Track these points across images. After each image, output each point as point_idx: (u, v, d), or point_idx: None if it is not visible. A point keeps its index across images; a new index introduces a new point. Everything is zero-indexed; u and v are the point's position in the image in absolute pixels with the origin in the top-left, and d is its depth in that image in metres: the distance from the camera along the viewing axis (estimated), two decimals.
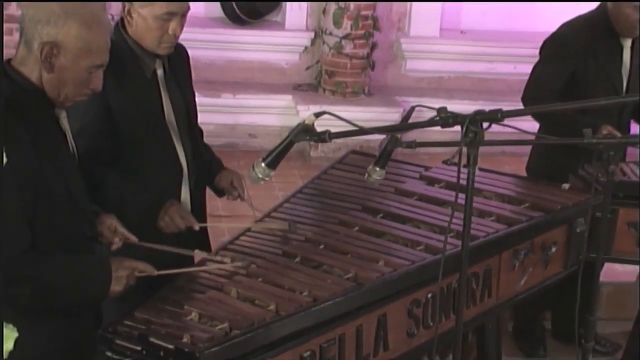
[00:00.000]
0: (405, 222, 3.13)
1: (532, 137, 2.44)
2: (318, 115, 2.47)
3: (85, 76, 2.38)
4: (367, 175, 2.89)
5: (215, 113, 6.09)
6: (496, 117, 2.18)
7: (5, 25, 2.08)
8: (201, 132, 3.36)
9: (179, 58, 3.18)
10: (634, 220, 3.53)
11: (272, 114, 6.30)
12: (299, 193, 3.38)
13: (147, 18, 2.92)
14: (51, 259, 2.37)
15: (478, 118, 2.18)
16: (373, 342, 2.73)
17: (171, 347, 2.29)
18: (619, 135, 3.77)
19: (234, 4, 6.34)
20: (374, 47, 6.44)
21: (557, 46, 4.04)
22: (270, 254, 2.84)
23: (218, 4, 6.40)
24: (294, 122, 6.18)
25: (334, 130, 2.53)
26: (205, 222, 3.23)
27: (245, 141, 6.26)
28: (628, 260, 3.70)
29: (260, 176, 2.62)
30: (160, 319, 2.42)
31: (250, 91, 6.36)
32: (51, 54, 2.32)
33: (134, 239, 2.69)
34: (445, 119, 2.22)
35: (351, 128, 2.52)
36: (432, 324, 2.87)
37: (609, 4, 3.95)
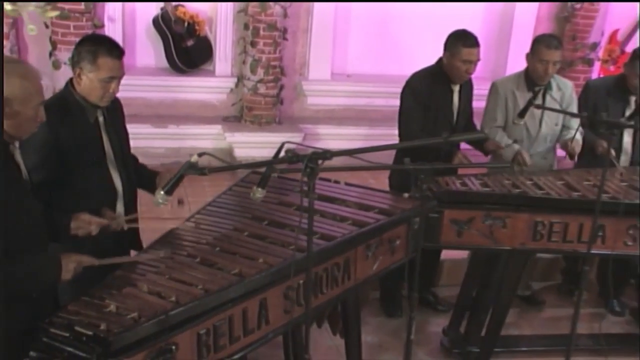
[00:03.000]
0: (284, 227, 3.07)
1: (365, 163, 2.38)
2: (200, 154, 2.40)
3: (33, 113, 2.38)
4: (252, 193, 2.80)
5: (164, 139, 6.06)
6: (326, 156, 2.14)
7: None
8: (135, 158, 3.27)
9: (115, 108, 3.12)
10: (456, 218, 3.54)
11: (207, 139, 6.18)
12: (208, 205, 3.28)
13: (93, 80, 2.87)
14: (18, 261, 2.28)
15: (314, 157, 2.14)
16: (256, 319, 2.67)
17: (90, 333, 2.20)
18: (468, 161, 3.85)
19: (175, 57, 6.24)
20: (281, 88, 6.38)
21: (409, 91, 4.07)
22: (178, 255, 2.76)
23: (164, 58, 6.29)
24: (223, 144, 6.15)
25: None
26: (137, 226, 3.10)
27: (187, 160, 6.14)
28: (451, 246, 3.71)
29: (161, 201, 2.47)
30: (86, 310, 2.33)
31: (190, 122, 6.24)
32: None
33: (106, 222, 2.73)
34: (290, 157, 2.18)
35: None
36: (303, 303, 2.81)
37: (444, 58, 3.99)
